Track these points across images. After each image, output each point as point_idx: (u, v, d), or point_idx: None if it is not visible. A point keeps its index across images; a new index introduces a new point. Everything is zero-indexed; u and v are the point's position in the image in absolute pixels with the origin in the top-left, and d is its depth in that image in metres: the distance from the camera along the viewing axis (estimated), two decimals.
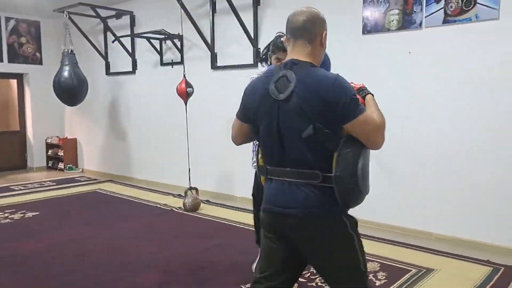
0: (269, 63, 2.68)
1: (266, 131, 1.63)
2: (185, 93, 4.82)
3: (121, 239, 3.86)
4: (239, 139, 1.84)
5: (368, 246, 3.64)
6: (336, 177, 1.53)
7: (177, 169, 5.70)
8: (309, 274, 3.04)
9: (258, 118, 1.64)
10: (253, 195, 3.01)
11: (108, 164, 7.15)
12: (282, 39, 2.33)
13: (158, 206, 5.08)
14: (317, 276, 2.99)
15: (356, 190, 1.58)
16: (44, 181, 6.75)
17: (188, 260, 3.33)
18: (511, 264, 3.17)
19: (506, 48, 3.34)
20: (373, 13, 3.97)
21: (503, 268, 3.12)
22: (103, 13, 6.27)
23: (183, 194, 4.98)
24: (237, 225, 4.29)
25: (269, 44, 2.71)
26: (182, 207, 4.86)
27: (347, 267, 1.65)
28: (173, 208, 4.94)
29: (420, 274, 3.04)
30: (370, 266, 3.17)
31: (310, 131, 1.51)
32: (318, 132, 1.51)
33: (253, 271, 2.79)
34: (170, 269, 3.19)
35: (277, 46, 2.49)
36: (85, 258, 3.41)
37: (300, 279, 2.95)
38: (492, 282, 2.90)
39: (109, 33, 6.51)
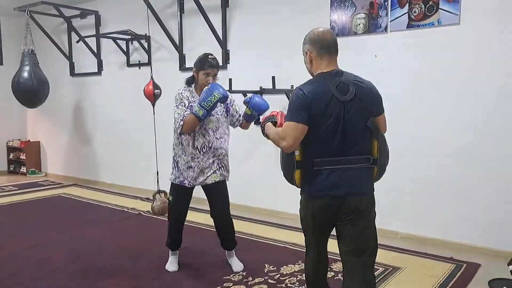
0: (196, 78, 2.99)
1: (332, 127, 1.95)
2: (153, 94, 4.74)
3: (86, 244, 3.76)
4: (297, 144, 1.98)
5: (336, 246, 3.70)
6: (379, 160, 2.06)
7: (145, 172, 5.60)
8: (279, 275, 3.05)
9: (324, 118, 1.95)
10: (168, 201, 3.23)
11: (73, 167, 6.95)
12: (211, 57, 2.93)
13: (126, 210, 4.97)
14: (287, 277, 3.01)
15: (385, 169, 2.15)
16: (6, 186, 6.49)
17: (156, 265, 3.28)
18: (473, 261, 3.29)
19: (465, 52, 3.47)
20: (340, 17, 4.03)
21: (465, 265, 3.22)
22: (67, 12, 6.10)
23: (151, 198, 4.89)
24: (205, 227, 4.26)
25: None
26: (150, 211, 4.78)
27: (375, 236, 2.15)
28: (141, 212, 4.86)
29: (387, 272, 3.11)
30: (338, 266, 3.21)
31: (371, 121, 2.01)
32: (372, 122, 2.02)
33: (168, 270, 3.17)
34: (137, 274, 3.13)
35: (210, 64, 2.90)
36: (48, 265, 3.30)
37: (270, 281, 2.96)
38: (455, 278, 3.00)
39: (73, 33, 6.34)
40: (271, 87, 4.44)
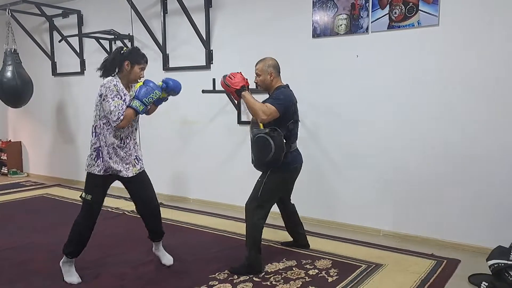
0: (126, 71, 2.90)
1: (297, 120, 3.13)
2: None
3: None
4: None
5: (321, 244, 3.75)
6: None
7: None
8: (264, 273, 3.07)
9: (296, 115, 3.12)
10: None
11: (55, 168, 6.86)
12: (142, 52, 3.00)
13: (109, 210, 4.94)
14: (272, 275, 3.04)
15: None
16: None
17: (140, 264, 3.28)
18: (452, 257, 3.36)
19: (444, 53, 3.55)
20: (322, 17, 4.08)
21: (445, 261, 3.29)
22: (49, 11, 6.02)
23: None
24: (191, 227, 4.27)
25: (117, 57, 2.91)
26: (135, 210, 4.75)
27: None
28: (125, 212, 4.83)
29: (369, 269, 3.15)
30: (323, 263, 3.26)
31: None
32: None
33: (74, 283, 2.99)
34: (120, 274, 3.12)
35: (146, 59, 2.98)
36: (28, 266, 3.26)
37: (255, 279, 2.98)
38: (436, 274, 3.06)
39: (55, 33, 6.26)
40: (255, 87, 4.46)
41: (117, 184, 3.07)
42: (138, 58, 2.90)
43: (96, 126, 2.90)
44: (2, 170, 7.37)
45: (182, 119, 5.27)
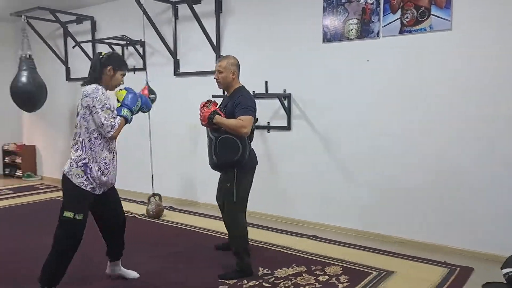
0: (109, 79, 2.75)
1: (256, 119, 3.19)
2: (148, 99, 4.75)
3: (80, 247, 3.72)
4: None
5: (331, 250, 3.72)
6: None
7: (140, 176, 5.61)
8: (273, 279, 3.06)
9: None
10: None
11: None
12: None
13: None
14: (282, 280, 3.02)
15: None
16: (1, 189, 6.47)
17: (150, 267, 3.28)
18: (466, 265, 3.30)
19: (457, 57, 3.50)
20: (332, 22, 4.07)
21: (458, 269, 3.24)
22: (63, 17, 6.12)
23: (146, 201, 4.91)
24: (200, 231, 4.27)
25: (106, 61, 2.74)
26: (145, 214, 4.79)
27: None
28: (135, 215, 4.86)
29: (380, 276, 3.11)
30: (333, 269, 3.23)
31: None
32: None
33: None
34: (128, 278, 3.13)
35: (127, 65, 2.93)
36: (39, 267, 3.29)
37: (264, 284, 2.97)
38: (448, 282, 3.01)
39: (69, 38, 6.35)
40: (264, 92, 4.47)
41: (127, 187, 3.08)
42: (121, 64, 2.80)
43: (83, 139, 2.64)
44: (16, 173, 7.48)
45: (192, 123, 5.27)
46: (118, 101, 2.79)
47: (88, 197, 2.69)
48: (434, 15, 3.55)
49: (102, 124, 2.60)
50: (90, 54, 6.23)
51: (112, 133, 2.63)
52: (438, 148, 3.64)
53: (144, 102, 2.92)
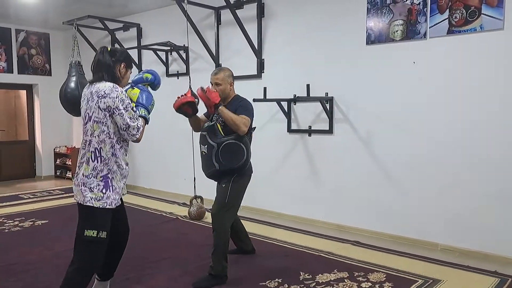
0: (121, 77, 2.52)
1: (254, 127, 3.23)
2: None
3: (127, 246, 3.82)
4: None
5: (374, 256, 3.64)
6: None
7: (182, 178, 5.73)
8: (315, 284, 3.03)
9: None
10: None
11: None
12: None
13: (164, 214, 5.09)
14: (323, 286, 2.99)
15: None
16: (53, 190, 6.81)
17: (192, 268, 3.34)
18: None
19: (510, 58, 3.34)
20: (377, 24, 3.99)
21: (510, 279, 3.08)
22: (111, 25, 6.37)
23: (188, 203, 5.00)
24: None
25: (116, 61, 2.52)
26: (187, 216, 4.88)
27: None
28: (178, 217, 4.96)
29: (426, 285, 3.01)
30: (376, 276, 3.16)
31: None
32: None
33: None
34: (173, 276, 3.20)
35: (131, 63, 2.68)
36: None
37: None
38: None
39: (116, 45, 6.60)
40: (305, 95, 4.45)
41: (170, 189, 3.14)
42: (131, 61, 2.62)
43: (101, 148, 2.37)
44: (67, 175, 7.83)
45: None
46: (131, 100, 2.48)
47: (109, 214, 2.44)
48: (485, 15, 3.41)
49: (128, 126, 2.36)
50: (136, 60, 6.44)
51: (138, 135, 2.42)
52: (491, 155, 3.48)
53: (157, 81, 2.79)
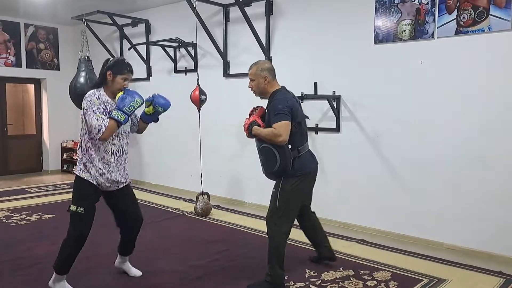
0: (110, 83, 2.82)
1: (304, 124, 2.99)
2: (199, 100, 4.89)
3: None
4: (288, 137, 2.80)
5: (380, 255, 3.67)
6: None
7: (189, 174, 5.77)
8: (320, 281, 3.05)
9: (299, 117, 2.90)
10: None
11: None
12: (127, 62, 2.93)
13: (170, 210, 5.14)
14: (329, 283, 3.01)
15: None
16: (60, 184, 6.87)
17: (198, 264, 3.38)
18: None
19: None
20: (385, 23, 4.00)
21: None
22: (120, 21, 6.41)
23: (195, 199, 5.04)
24: (247, 230, 4.33)
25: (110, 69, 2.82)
26: (194, 212, 4.92)
27: None
28: (184, 213, 5.00)
29: (431, 284, 3.04)
30: (382, 275, 3.18)
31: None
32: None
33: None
34: (180, 272, 3.23)
35: (130, 69, 2.90)
36: (98, 260, 3.46)
37: (311, 286, 2.97)
38: None
39: (125, 41, 6.63)
40: (313, 93, 4.47)
41: (177, 185, 3.16)
42: (121, 68, 2.81)
43: (81, 141, 2.80)
44: (73, 169, 7.87)
45: (240, 123, 5.36)
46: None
47: (89, 188, 2.80)
48: (493, 15, 3.41)
49: (91, 126, 2.66)
50: (145, 56, 6.47)
51: (99, 135, 2.66)
52: (497, 154, 3.49)
53: (159, 103, 3.06)
